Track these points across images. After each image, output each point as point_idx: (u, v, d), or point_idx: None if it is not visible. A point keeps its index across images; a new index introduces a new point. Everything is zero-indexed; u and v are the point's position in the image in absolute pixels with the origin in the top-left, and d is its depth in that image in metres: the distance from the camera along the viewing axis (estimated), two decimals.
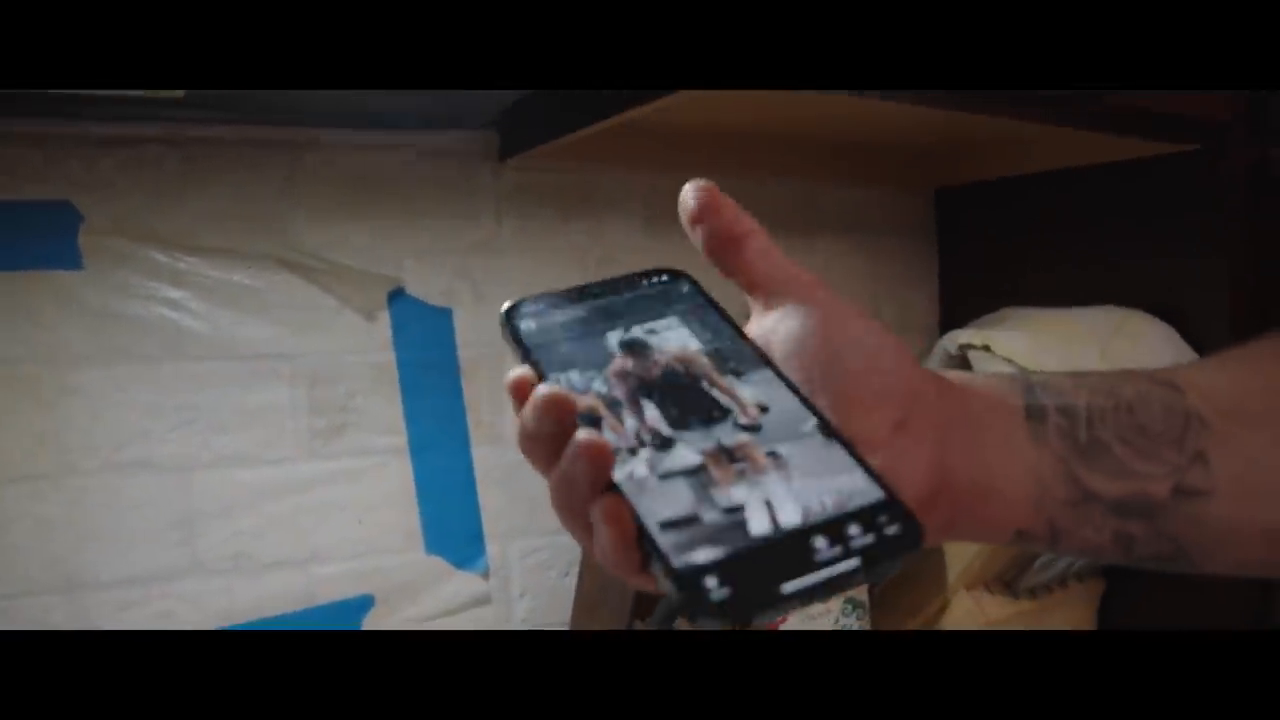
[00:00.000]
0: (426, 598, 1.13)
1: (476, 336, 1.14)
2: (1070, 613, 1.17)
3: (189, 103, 0.91)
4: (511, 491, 1.17)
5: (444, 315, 1.13)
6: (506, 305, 0.46)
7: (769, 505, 0.38)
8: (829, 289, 0.45)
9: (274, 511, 1.06)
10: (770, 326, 0.45)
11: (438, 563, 1.14)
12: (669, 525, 0.37)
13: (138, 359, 1.00)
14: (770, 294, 0.46)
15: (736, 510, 0.38)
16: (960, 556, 1.09)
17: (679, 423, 0.41)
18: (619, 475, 0.39)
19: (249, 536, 1.05)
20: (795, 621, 1.06)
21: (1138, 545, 0.45)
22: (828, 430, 0.40)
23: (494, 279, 1.15)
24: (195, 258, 1.02)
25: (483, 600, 1.16)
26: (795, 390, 0.42)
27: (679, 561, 0.36)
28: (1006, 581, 1.13)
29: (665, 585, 0.37)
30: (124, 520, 1.00)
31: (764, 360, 0.43)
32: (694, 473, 0.39)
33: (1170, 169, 1.10)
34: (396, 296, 1.10)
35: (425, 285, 1.12)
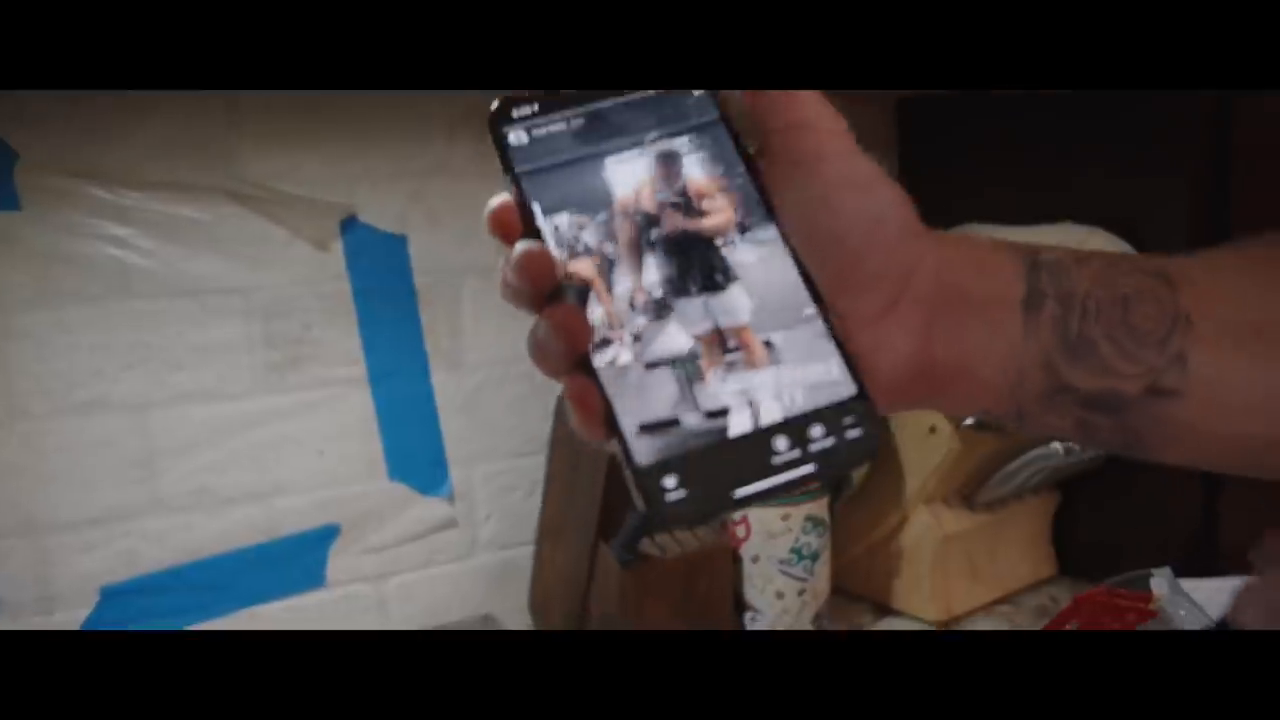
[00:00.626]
0: (391, 524, 1.13)
1: (433, 263, 1.12)
2: (1026, 525, 1.20)
3: None
4: (473, 416, 1.16)
5: (399, 242, 1.10)
6: (495, 105, 0.42)
7: (749, 403, 0.38)
8: (842, 145, 0.43)
9: (234, 446, 1.05)
10: (778, 179, 0.43)
11: (401, 489, 1.14)
12: (639, 423, 0.37)
13: (85, 300, 0.98)
14: (780, 144, 0.43)
15: (715, 409, 0.38)
16: (918, 473, 1.11)
17: (678, 287, 0.40)
18: (598, 360, 0.38)
19: (210, 472, 1.05)
20: (758, 541, 1.07)
21: (1098, 433, 0.46)
22: (820, 311, 0.40)
23: (449, 203, 1.12)
24: (139, 193, 0.98)
25: (448, 524, 1.17)
26: (797, 259, 0.41)
27: (641, 459, 0.37)
28: (964, 496, 1.15)
29: (626, 476, 0.37)
30: (81, 461, 0.99)
31: (773, 216, 0.41)
32: (680, 362, 0.39)
33: (1136, 99, 1.09)
34: (349, 225, 1.08)
35: (378, 212, 1.09)
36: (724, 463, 0.37)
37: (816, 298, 0.40)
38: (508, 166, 0.41)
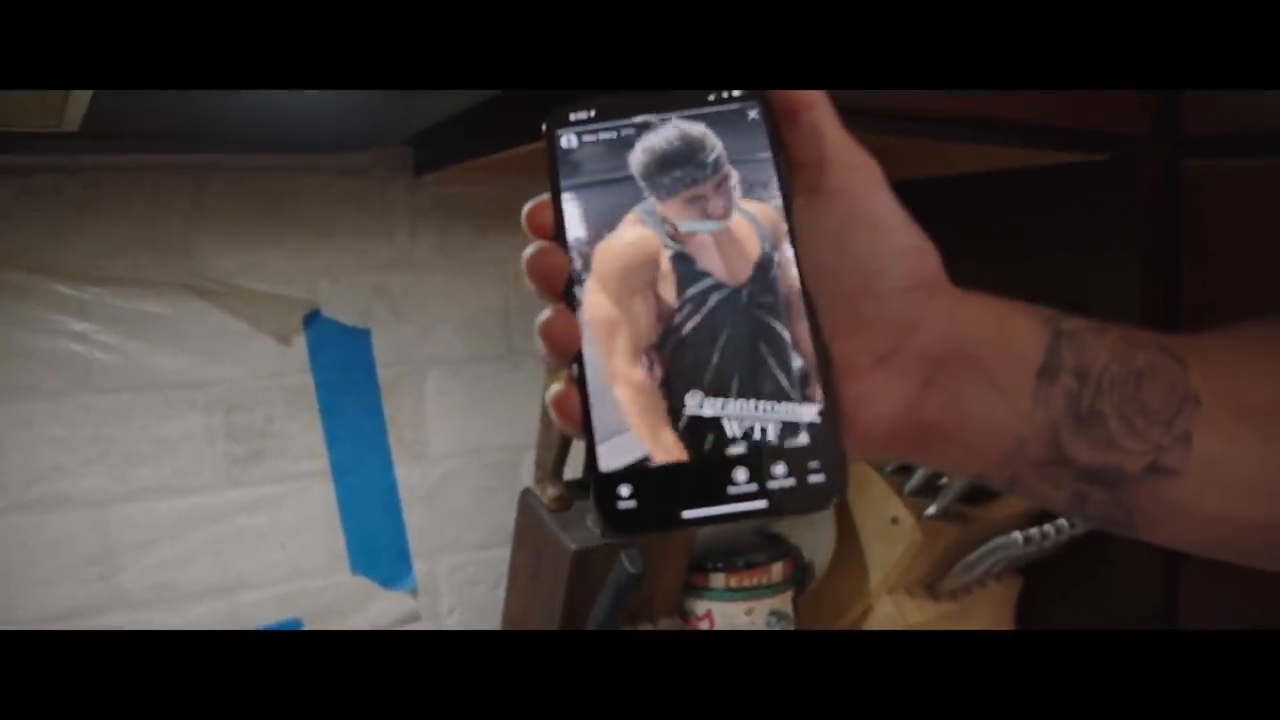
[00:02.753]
0: (354, 618, 1.12)
1: (396, 355, 1.13)
2: (990, 612, 1.19)
3: (84, 133, 0.89)
4: (437, 508, 1.16)
5: (362, 335, 1.11)
6: (553, 113, 0.44)
7: (718, 429, 0.39)
8: (864, 184, 0.43)
9: (195, 541, 1.05)
10: (802, 209, 0.43)
11: (364, 583, 1.13)
12: (610, 430, 0.39)
13: (45, 394, 0.98)
14: (806, 179, 0.44)
15: (684, 429, 0.39)
16: (880, 563, 1.11)
17: (692, 307, 0.41)
18: (591, 367, 0.40)
19: (171, 567, 1.04)
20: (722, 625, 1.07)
21: (1090, 506, 0.46)
22: (816, 349, 0.40)
23: (411, 296, 1.13)
24: (101, 288, 0.99)
25: (412, 617, 1.16)
26: (806, 292, 0.41)
27: (602, 464, 0.38)
28: (927, 585, 1.15)
29: (588, 478, 0.38)
30: (39, 558, 0.98)
31: (793, 243, 0.42)
32: (672, 376, 0.40)
33: (1085, 175, 1.11)
34: (312, 318, 1.09)
35: (341, 306, 1.10)
36: (680, 483, 0.38)
37: (816, 335, 0.40)
38: (552, 170, 0.43)
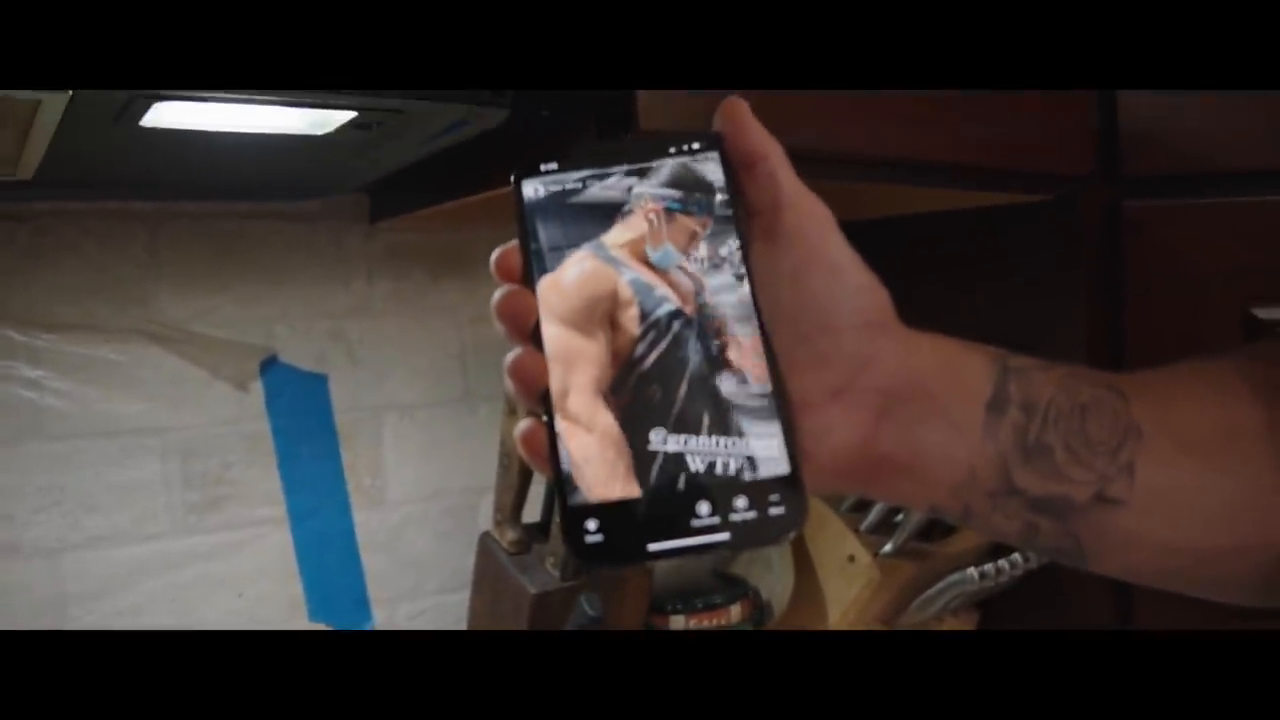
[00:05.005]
0: None
1: (353, 400, 1.13)
2: None
3: (37, 182, 0.89)
4: (395, 554, 1.16)
5: (319, 381, 1.11)
6: (521, 163, 0.46)
7: (681, 464, 0.40)
8: (819, 228, 0.45)
9: (151, 589, 1.04)
10: (759, 251, 0.45)
11: (323, 630, 1.12)
12: (578, 467, 0.40)
13: None
14: (762, 224, 0.46)
15: (646, 465, 0.40)
16: (838, 602, 1.12)
17: (651, 343, 0.42)
18: (558, 404, 0.41)
19: (126, 615, 1.03)
20: None
21: (1041, 538, 0.48)
22: (775, 385, 0.41)
23: (368, 342, 1.13)
24: (53, 335, 0.99)
25: None
26: (763, 329, 0.42)
27: (569, 499, 0.39)
28: (885, 621, 1.16)
29: (556, 513, 0.39)
30: None
31: (750, 282, 0.43)
32: (636, 412, 0.41)
33: (1030, 216, 1.14)
34: (269, 365, 1.09)
35: (298, 351, 1.10)
36: (644, 516, 0.39)
37: (774, 371, 0.41)
38: (519, 217, 0.45)
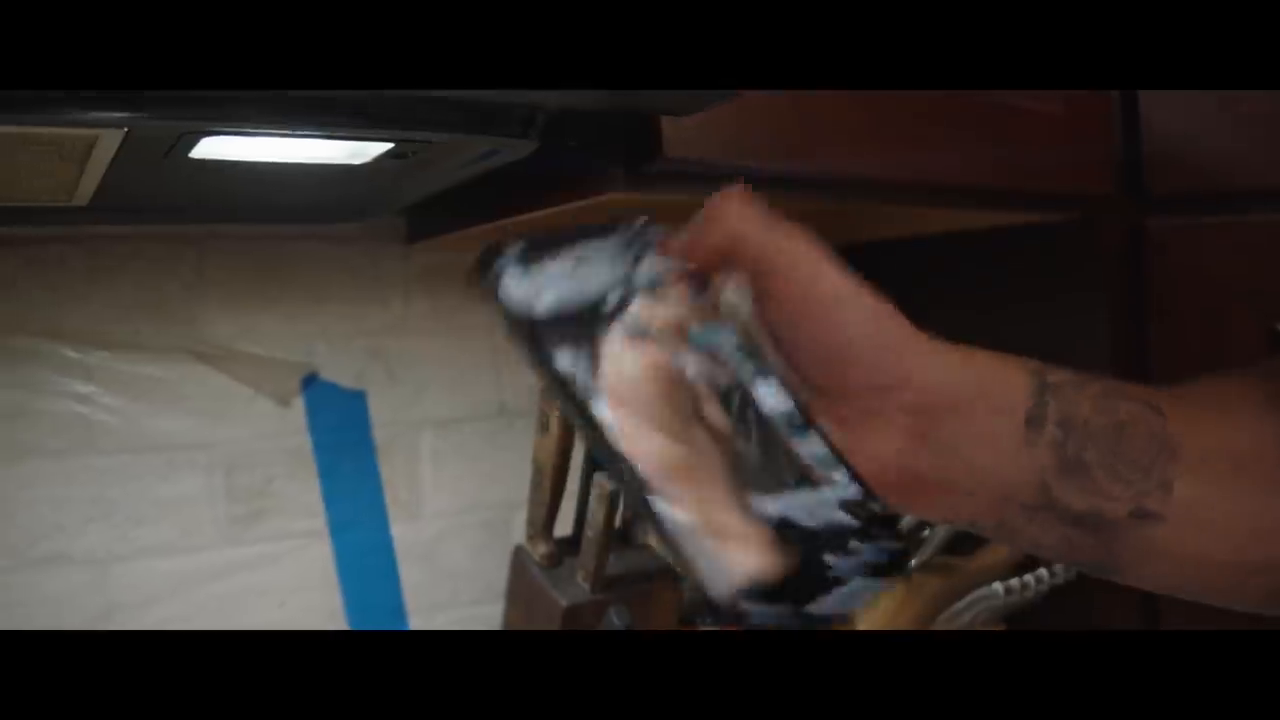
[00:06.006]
0: None
1: (391, 416, 1.16)
2: None
3: (91, 208, 0.93)
4: (432, 566, 1.19)
5: (358, 397, 1.15)
6: (486, 250, 0.41)
7: (791, 519, 0.39)
8: (810, 262, 0.44)
9: (196, 599, 1.07)
10: (755, 306, 0.45)
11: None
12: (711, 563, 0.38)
13: (48, 455, 1.01)
14: (750, 281, 0.45)
15: (772, 529, 0.39)
16: (866, 614, 1.13)
17: (745, 436, 0.40)
18: (705, 524, 0.38)
19: (171, 625, 1.06)
20: None
21: (1079, 552, 0.48)
22: (821, 433, 0.41)
23: (405, 359, 1.17)
24: (105, 352, 1.03)
25: None
26: (788, 390, 0.42)
27: (714, 591, 0.37)
28: None
29: (698, 604, 0.39)
30: (40, 617, 1.01)
31: (749, 333, 0.43)
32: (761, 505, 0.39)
33: (1052, 236, 1.15)
34: (310, 382, 1.12)
35: (338, 369, 1.14)
36: (792, 586, 0.38)
37: (807, 414, 0.42)
38: (515, 320, 0.41)
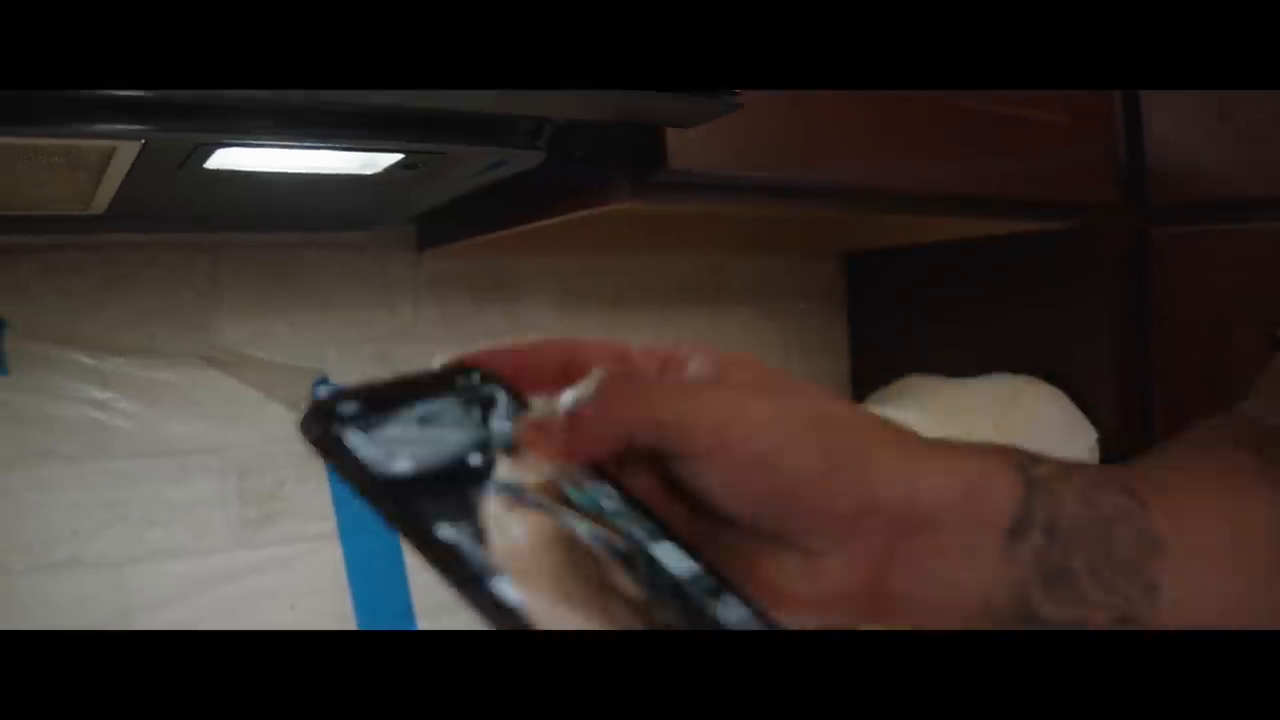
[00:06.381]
0: None
1: None
2: None
3: (108, 217, 0.94)
4: None
5: None
6: (315, 409, 0.35)
7: None
8: (741, 418, 0.38)
9: (209, 601, 1.09)
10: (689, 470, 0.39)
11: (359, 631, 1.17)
12: None
13: (64, 459, 1.02)
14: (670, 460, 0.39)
15: None
16: None
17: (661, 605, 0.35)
18: None
19: (184, 626, 1.08)
20: None
21: None
22: (738, 594, 0.37)
23: (414, 365, 1.16)
24: (120, 358, 1.04)
25: None
26: (689, 551, 0.37)
27: None
28: None
29: None
30: (57, 618, 1.02)
31: (637, 503, 0.38)
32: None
33: (1059, 243, 1.16)
34: (320, 386, 1.14)
35: (348, 374, 1.15)
36: None
37: (710, 567, 0.37)
38: (360, 478, 0.35)
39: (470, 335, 1.21)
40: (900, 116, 0.92)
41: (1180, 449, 0.52)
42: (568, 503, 0.37)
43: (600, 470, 0.38)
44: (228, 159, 0.69)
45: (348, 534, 1.15)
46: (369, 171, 0.75)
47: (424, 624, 1.19)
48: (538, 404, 0.39)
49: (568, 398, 0.38)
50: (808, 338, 1.47)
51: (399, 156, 0.71)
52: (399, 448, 0.34)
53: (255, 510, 1.11)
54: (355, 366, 1.15)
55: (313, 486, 1.14)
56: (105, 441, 1.04)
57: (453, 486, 0.34)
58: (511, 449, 0.37)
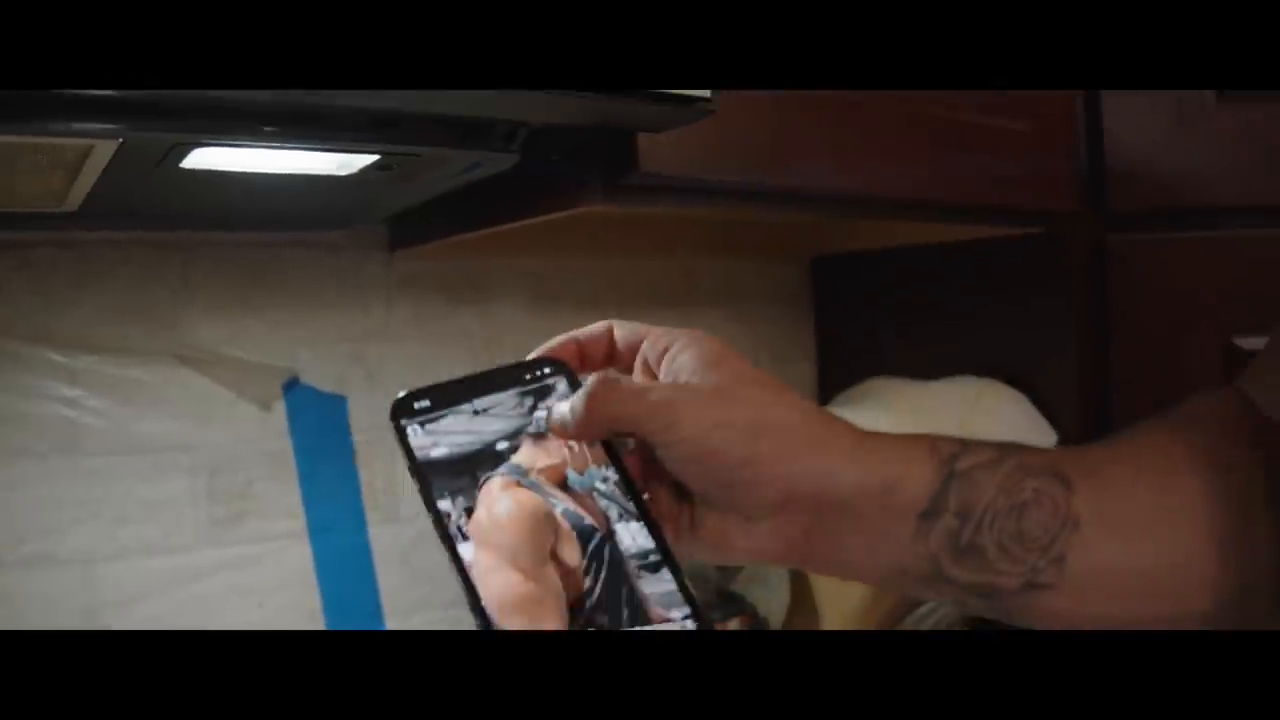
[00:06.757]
0: None
1: (370, 421, 1.18)
2: None
3: (81, 214, 0.94)
4: (409, 568, 1.21)
5: (339, 402, 1.17)
6: (394, 405, 0.47)
7: None
8: (687, 421, 0.47)
9: (179, 598, 1.09)
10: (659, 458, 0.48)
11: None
12: None
13: (34, 456, 1.02)
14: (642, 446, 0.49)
15: None
16: (835, 616, 1.16)
17: (595, 575, 0.46)
18: None
19: (154, 624, 1.07)
20: None
21: (974, 610, 0.52)
22: (674, 567, 0.47)
23: (386, 365, 1.19)
24: (91, 356, 1.04)
25: None
26: (651, 522, 0.47)
27: None
28: None
29: None
30: (27, 615, 1.02)
31: (625, 476, 0.48)
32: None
33: (1021, 248, 1.19)
34: (291, 386, 1.14)
35: (319, 374, 1.16)
36: None
37: (670, 559, 0.47)
38: (410, 458, 0.47)
39: (442, 335, 1.22)
40: (869, 123, 0.93)
41: (1122, 436, 0.57)
42: (564, 486, 0.47)
43: (607, 454, 0.49)
44: (204, 158, 0.70)
45: (317, 533, 1.16)
46: (344, 172, 0.76)
47: (392, 622, 1.20)
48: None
49: (575, 399, 0.48)
50: (776, 340, 1.48)
51: (375, 158, 0.72)
52: (443, 437, 0.47)
53: (225, 509, 1.11)
54: (327, 366, 1.16)
55: (282, 485, 1.14)
56: (76, 439, 1.04)
57: (468, 468, 0.46)
58: (537, 437, 0.48)
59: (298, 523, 1.15)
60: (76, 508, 1.04)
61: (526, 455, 0.47)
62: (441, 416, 0.47)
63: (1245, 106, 1.11)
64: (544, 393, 0.49)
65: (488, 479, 0.46)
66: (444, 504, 0.45)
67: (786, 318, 1.49)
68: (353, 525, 1.18)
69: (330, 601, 1.16)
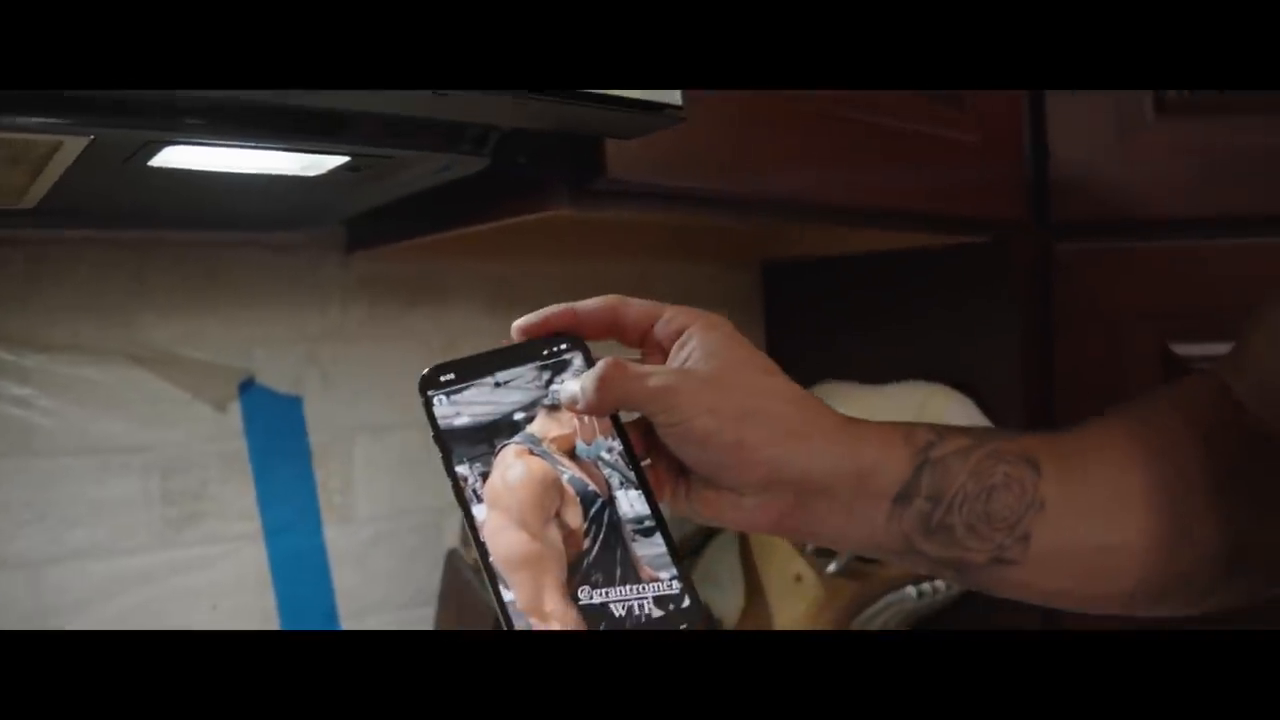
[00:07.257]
0: None
1: (326, 422, 1.18)
2: None
3: (37, 211, 0.93)
4: (365, 569, 1.21)
5: (294, 403, 1.16)
6: (422, 379, 0.53)
7: (608, 606, 0.50)
8: (689, 402, 0.51)
9: (130, 601, 1.08)
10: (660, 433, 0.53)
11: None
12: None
13: None
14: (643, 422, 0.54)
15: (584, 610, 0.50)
16: (786, 618, 1.18)
17: (594, 538, 0.51)
18: (531, 609, 0.50)
19: (106, 626, 1.07)
20: None
21: (944, 579, 0.58)
22: (666, 536, 0.52)
23: (342, 366, 1.19)
24: (42, 355, 1.03)
25: None
26: (649, 495, 0.53)
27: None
28: None
29: None
30: None
31: (627, 444, 0.54)
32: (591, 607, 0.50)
33: (967, 257, 1.21)
34: (247, 387, 1.14)
35: (275, 374, 1.15)
36: None
37: (663, 527, 0.52)
38: (434, 427, 0.52)
39: (398, 337, 1.22)
40: (827, 133, 0.95)
41: (1092, 424, 0.61)
42: (572, 454, 0.52)
43: (614, 427, 0.53)
44: (174, 157, 0.70)
45: (272, 534, 1.15)
46: (313, 173, 0.76)
47: (347, 624, 1.19)
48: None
49: (586, 378, 0.52)
50: None
51: (345, 159, 0.72)
52: (465, 408, 0.52)
53: (178, 510, 1.11)
54: (283, 366, 1.16)
55: (237, 486, 1.13)
56: (25, 439, 1.03)
57: (486, 437, 0.51)
58: (552, 409, 0.53)
59: (253, 524, 1.14)
60: (24, 509, 1.03)
61: (541, 425, 0.52)
62: (466, 388, 0.52)
63: (1183, 121, 1.14)
64: (561, 367, 0.54)
65: (504, 446, 0.51)
66: (462, 469, 0.51)
67: (738, 322, 1.46)
68: (308, 527, 1.18)
69: (285, 603, 1.16)
